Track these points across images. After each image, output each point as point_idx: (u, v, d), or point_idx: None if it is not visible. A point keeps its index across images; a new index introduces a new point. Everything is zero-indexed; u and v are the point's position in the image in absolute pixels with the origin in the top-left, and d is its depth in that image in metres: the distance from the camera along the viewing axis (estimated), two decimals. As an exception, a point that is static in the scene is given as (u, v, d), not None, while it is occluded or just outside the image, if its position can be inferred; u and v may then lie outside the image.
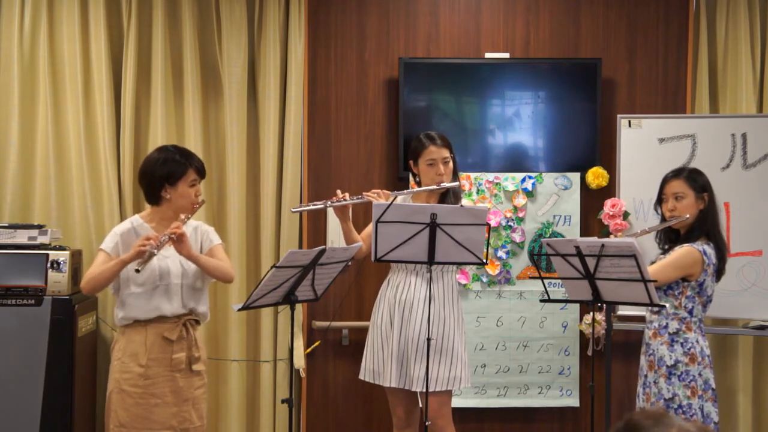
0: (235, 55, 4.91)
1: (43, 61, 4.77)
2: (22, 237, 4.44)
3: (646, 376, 3.87)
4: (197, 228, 3.73)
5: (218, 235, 3.81)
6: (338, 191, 4.04)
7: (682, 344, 3.78)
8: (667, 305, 3.82)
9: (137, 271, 3.45)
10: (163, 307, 3.60)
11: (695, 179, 3.89)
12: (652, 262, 3.95)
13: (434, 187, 3.98)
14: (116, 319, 3.66)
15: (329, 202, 4.00)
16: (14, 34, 4.77)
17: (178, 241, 3.52)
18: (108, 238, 3.64)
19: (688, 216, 3.83)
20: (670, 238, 3.98)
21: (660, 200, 3.94)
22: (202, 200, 3.70)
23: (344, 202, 3.98)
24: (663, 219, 3.93)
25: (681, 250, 3.81)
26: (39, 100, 4.80)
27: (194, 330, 3.70)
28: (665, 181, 3.91)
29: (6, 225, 4.50)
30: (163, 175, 3.61)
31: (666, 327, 3.82)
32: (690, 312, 3.82)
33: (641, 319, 4.74)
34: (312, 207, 4.15)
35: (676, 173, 3.92)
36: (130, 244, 3.58)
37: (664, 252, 3.97)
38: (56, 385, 4.28)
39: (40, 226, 4.52)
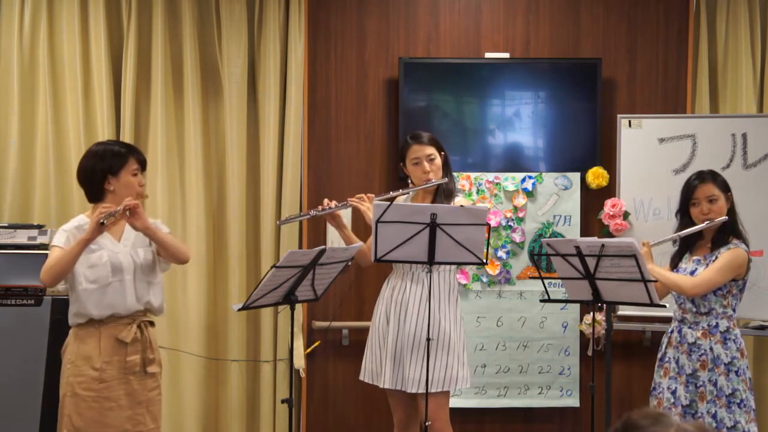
0: (235, 55, 4.91)
1: (43, 61, 4.77)
2: (21, 237, 4.44)
3: (692, 375, 3.87)
4: None
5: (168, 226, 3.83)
6: (324, 200, 4.04)
7: (734, 341, 3.87)
8: (716, 306, 3.88)
9: (102, 224, 3.39)
10: (117, 304, 3.55)
11: (720, 180, 3.97)
12: (673, 266, 4.00)
13: (422, 186, 3.98)
14: (70, 317, 3.61)
15: (314, 212, 4.00)
16: (14, 34, 4.77)
17: (133, 214, 3.47)
18: (57, 236, 3.58)
19: (726, 218, 3.90)
20: (686, 238, 4.02)
21: (686, 206, 3.97)
22: (145, 194, 3.69)
23: (328, 210, 3.99)
24: (689, 222, 3.95)
25: (730, 253, 3.87)
26: (39, 100, 4.80)
27: (149, 331, 3.64)
28: (694, 187, 3.94)
29: (6, 225, 4.51)
30: (104, 167, 3.57)
31: (717, 326, 3.87)
32: (734, 310, 3.92)
33: (641, 319, 4.77)
34: (298, 218, 4.16)
35: (702, 177, 3.96)
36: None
37: (682, 250, 4.02)
38: (56, 385, 4.27)
39: (40, 226, 4.52)
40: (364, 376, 4.09)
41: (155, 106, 4.85)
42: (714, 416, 3.82)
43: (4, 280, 4.32)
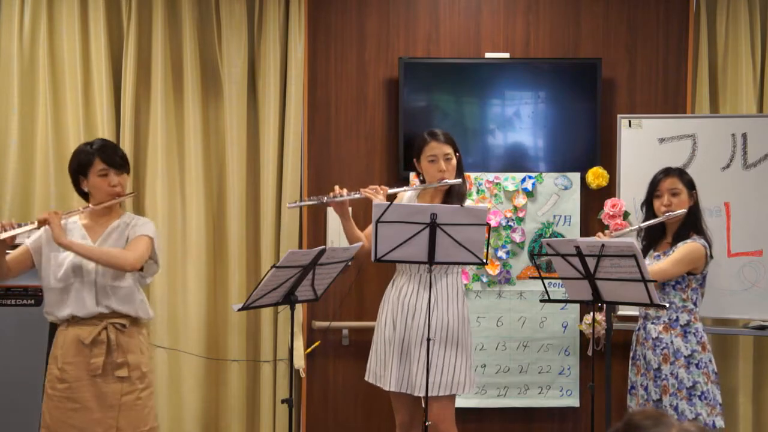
0: (235, 55, 4.91)
1: (43, 61, 4.77)
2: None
3: (658, 369, 3.95)
4: (129, 223, 3.65)
5: (152, 228, 3.69)
6: (336, 187, 4.01)
7: (694, 334, 3.95)
8: (676, 300, 3.97)
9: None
10: (75, 307, 3.52)
11: (686, 177, 4.12)
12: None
13: (435, 183, 3.95)
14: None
15: (326, 198, 3.96)
16: (14, 34, 4.76)
17: (50, 228, 3.43)
18: (37, 233, 3.62)
19: (685, 210, 4.01)
20: (650, 234, 4.16)
21: (650, 199, 4.11)
22: (129, 192, 3.67)
23: (341, 198, 3.94)
24: (653, 216, 4.09)
25: (687, 246, 3.97)
26: (39, 100, 4.79)
27: (118, 334, 3.55)
28: (659, 180, 4.09)
29: (6, 225, 4.50)
30: (74, 167, 3.60)
31: (677, 320, 3.95)
32: (695, 303, 3.99)
33: (641, 319, 4.76)
34: (308, 202, 4.12)
35: (668, 172, 4.11)
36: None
37: (647, 247, 4.15)
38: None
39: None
40: (369, 376, 4.09)
41: (155, 106, 4.84)
42: (676, 409, 3.89)
43: (4, 280, 4.32)
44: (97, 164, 3.57)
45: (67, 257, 3.53)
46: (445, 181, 3.93)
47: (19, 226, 3.47)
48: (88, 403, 3.50)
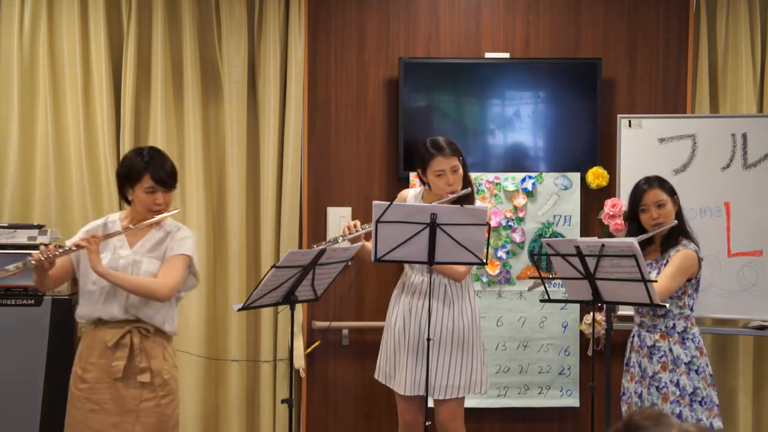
0: (235, 55, 4.91)
1: (43, 61, 4.77)
2: (21, 237, 4.44)
3: (653, 377, 3.90)
4: (170, 233, 3.58)
5: (191, 243, 3.60)
6: (349, 222, 3.91)
7: (692, 340, 3.90)
8: (673, 308, 3.90)
9: (6, 270, 3.38)
10: (102, 311, 3.48)
11: (667, 185, 3.99)
12: None
13: (445, 199, 3.88)
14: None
15: (342, 237, 3.86)
16: (14, 34, 4.77)
17: (88, 254, 3.41)
18: (77, 235, 3.59)
19: (675, 222, 3.92)
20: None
21: (635, 212, 3.98)
22: (172, 210, 3.58)
23: (358, 233, 3.84)
24: (640, 228, 3.97)
25: (681, 255, 3.88)
26: (39, 100, 4.79)
27: (142, 339, 3.49)
28: (642, 193, 3.95)
29: (6, 225, 4.50)
30: (122, 174, 3.54)
31: (674, 327, 3.89)
32: (691, 309, 3.93)
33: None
34: (331, 244, 3.88)
35: (650, 183, 3.97)
36: None
37: None
38: (56, 385, 4.28)
39: (39, 226, 4.51)
40: (379, 375, 4.10)
41: (155, 106, 4.85)
42: (679, 416, 3.85)
43: (4, 280, 4.31)
44: (145, 181, 3.49)
45: (103, 261, 3.46)
46: (457, 193, 3.88)
47: (58, 249, 3.42)
48: (106, 406, 3.46)
